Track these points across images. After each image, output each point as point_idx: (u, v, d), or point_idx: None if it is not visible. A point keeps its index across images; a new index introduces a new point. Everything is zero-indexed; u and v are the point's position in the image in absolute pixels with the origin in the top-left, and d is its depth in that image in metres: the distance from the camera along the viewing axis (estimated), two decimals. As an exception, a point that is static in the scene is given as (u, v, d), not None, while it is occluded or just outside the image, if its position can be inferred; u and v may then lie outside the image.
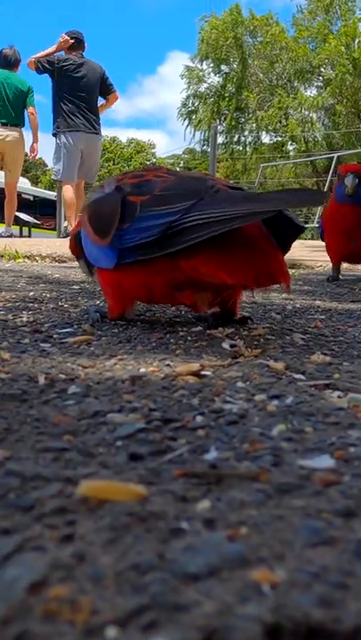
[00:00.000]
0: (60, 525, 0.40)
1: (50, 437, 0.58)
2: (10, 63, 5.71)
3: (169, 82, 63.64)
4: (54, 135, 5.53)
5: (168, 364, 0.91)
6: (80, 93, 5.34)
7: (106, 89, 5.53)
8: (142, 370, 0.87)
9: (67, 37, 5.39)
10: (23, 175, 13.35)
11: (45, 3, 71.85)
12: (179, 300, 1.23)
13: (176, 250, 1.07)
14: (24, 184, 12.22)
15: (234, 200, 1.05)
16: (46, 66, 5.33)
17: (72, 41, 5.38)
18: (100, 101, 5.67)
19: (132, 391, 0.75)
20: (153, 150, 43.43)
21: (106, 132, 65.29)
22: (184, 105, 25.59)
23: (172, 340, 1.10)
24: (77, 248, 1.45)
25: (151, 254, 1.11)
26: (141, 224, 1.12)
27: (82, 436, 0.59)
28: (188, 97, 25.46)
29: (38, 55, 5.36)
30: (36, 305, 1.53)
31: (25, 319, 1.26)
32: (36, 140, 5.91)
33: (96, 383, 0.79)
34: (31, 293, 1.79)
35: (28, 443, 0.56)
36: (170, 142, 61.97)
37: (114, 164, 39.04)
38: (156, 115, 71.72)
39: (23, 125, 5.82)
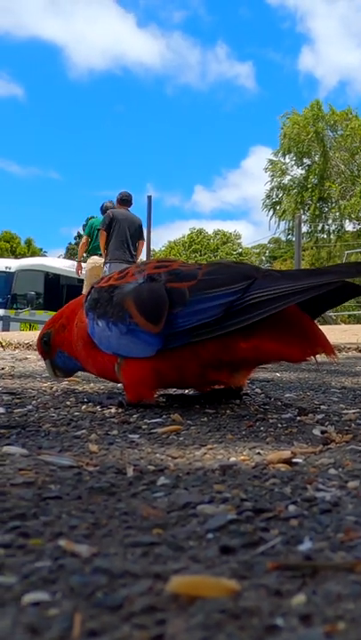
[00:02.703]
0: (150, 625, 0.39)
1: (138, 531, 0.56)
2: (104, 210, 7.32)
3: (252, 175, 64.63)
4: (104, 264, 6.94)
5: (259, 453, 0.89)
6: (121, 236, 6.72)
7: (139, 235, 6.96)
8: (232, 459, 0.85)
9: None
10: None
11: (135, 113, 74.32)
12: (212, 378, 1.28)
13: (235, 329, 1.13)
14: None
15: (295, 276, 1.13)
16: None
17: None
18: None
19: (222, 481, 0.74)
20: (239, 240, 43.93)
21: (192, 224, 66.81)
22: (268, 196, 26.18)
23: (261, 428, 1.09)
24: (43, 349, 1.54)
25: (211, 334, 1.15)
26: (196, 307, 1.15)
27: (171, 528, 0.57)
28: (272, 189, 26.08)
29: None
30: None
31: (113, 410, 1.26)
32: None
33: (186, 474, 0.77)
34: (120, 384, 1.80)
35: (117, 537, 0.55)
36: (254, 232, 62.54)
37: (201, 255, 39.62)
38: (240, 206, 72.80)
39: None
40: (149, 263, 1.31)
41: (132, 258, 6.78)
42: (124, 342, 1.25)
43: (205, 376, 1.26)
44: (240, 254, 40.28)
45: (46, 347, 1.52)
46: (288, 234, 25.87)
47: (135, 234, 6.87)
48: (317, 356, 1.22)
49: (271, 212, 25.99)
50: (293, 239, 10.46)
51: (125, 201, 6.96)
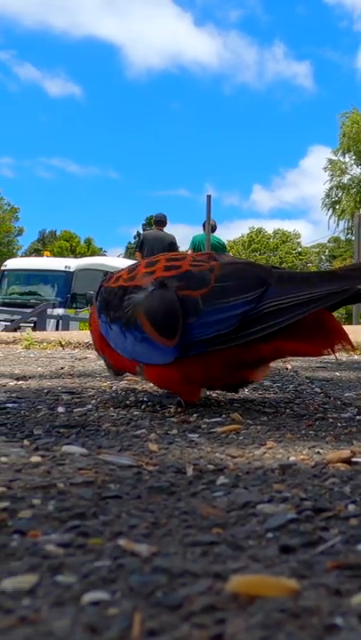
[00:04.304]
0: (210, 624, 0.39)
1: (198, 531, 0.56)
2: (213, 229, 8.12)
3: (311, 174, 64.45)
4: None
5: (318, 452, 0.89)
6: (148, 255, 7.10)
7: (170, 250, 7.25)
8: (292, 458, 0.85)
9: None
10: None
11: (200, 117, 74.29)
12: (237, 376, 1.27)
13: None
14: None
15: (310, 281, 1.10)
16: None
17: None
18: None
19: (282, 480, 0.74)
20: (298, 240, 43.73)
21: (251, 223, 66.91)
22: (328, 195, 26.13)
23: (321, 427, 1.08)
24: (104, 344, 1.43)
25: (228, 343, 1.14)
26: (209, 318, 1.13)
27: (231, 528, 0.57)
28: (331, 188, 26.01)
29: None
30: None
31: (173, 410, 1.26)
32: None
33: (245, 473, 0.77)
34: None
35: (176, 537, 0.55)
36: (313, 232, 62.22)
37: (260, 255, 39.55)
38: (298, 206, 72.61)
39: None
40: (160, 262, 1.25)
41: None
42: (139, 350, 1.23)
43: (229, 375, 1.26)
44: (299, 253, 40.16)
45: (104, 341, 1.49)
46: (347, 233, 25.77)
47: (166, 250, 7.26)
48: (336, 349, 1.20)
49: (330, 212, 25.96)
50: (353, 238, 10.41)
51: (159, 222, 7.90)
